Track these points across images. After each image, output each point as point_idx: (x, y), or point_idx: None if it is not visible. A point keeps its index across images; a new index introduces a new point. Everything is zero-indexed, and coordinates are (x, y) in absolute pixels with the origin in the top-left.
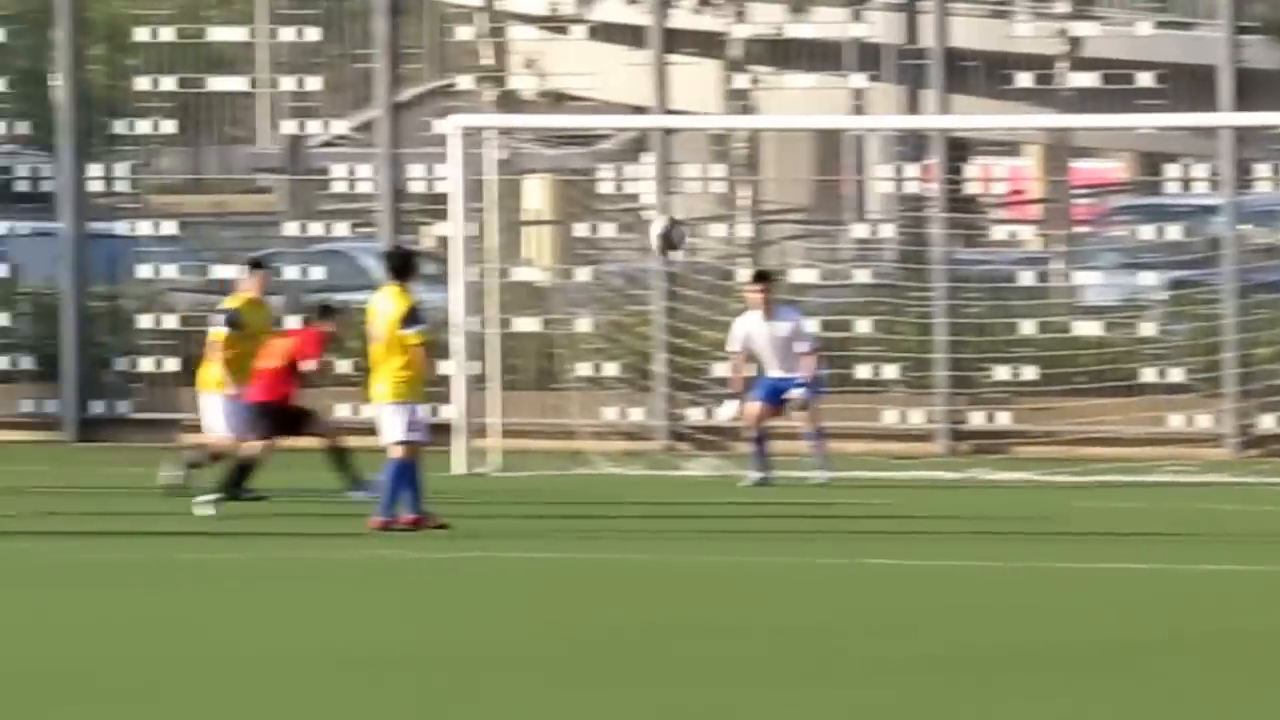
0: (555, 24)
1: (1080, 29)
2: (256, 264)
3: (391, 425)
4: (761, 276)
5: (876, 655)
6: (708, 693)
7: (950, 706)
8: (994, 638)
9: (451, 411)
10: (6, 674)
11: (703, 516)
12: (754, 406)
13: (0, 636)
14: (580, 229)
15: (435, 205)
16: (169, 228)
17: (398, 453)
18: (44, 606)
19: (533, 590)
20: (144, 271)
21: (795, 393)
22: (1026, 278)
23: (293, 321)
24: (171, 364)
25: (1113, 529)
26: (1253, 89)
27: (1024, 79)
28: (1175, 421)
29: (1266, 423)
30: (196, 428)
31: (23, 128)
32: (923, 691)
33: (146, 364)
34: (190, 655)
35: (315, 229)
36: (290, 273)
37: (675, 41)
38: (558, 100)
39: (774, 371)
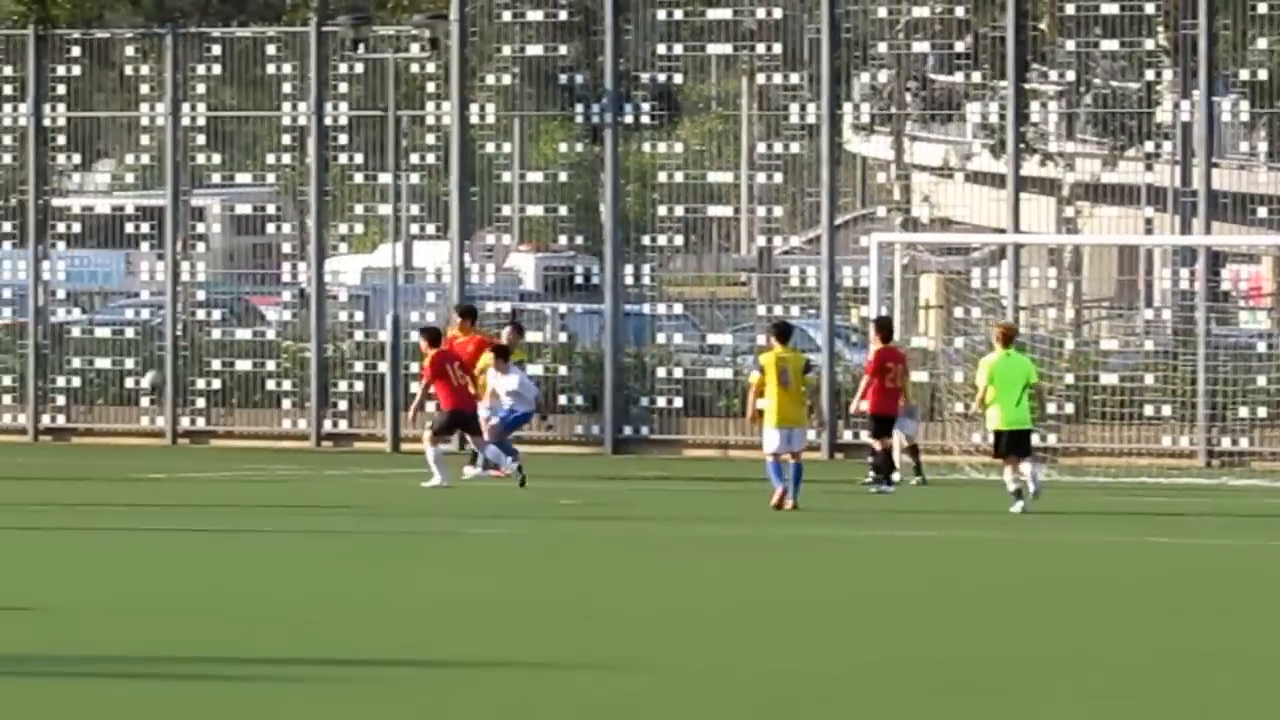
0: (944, 172)
1: None
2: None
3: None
4: None
5: None
6: None
7: None
8: None
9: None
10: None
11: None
12: None
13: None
14: (958, 311)
15: (859, 295)
16: (677, 308)
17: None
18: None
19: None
20: (660, 338)
21: None
22: (1261, 346)
23: None
24: (678, 401)
25: None
26: None
27: (1262, 211)
28: None
29: None
30: (697, 446)
31: (579, 240)
32: None
33: (660, 401)
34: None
35: (777, 310)
36: (759, 339)
37: (1025, 184)
38: (945, 223)
39: None
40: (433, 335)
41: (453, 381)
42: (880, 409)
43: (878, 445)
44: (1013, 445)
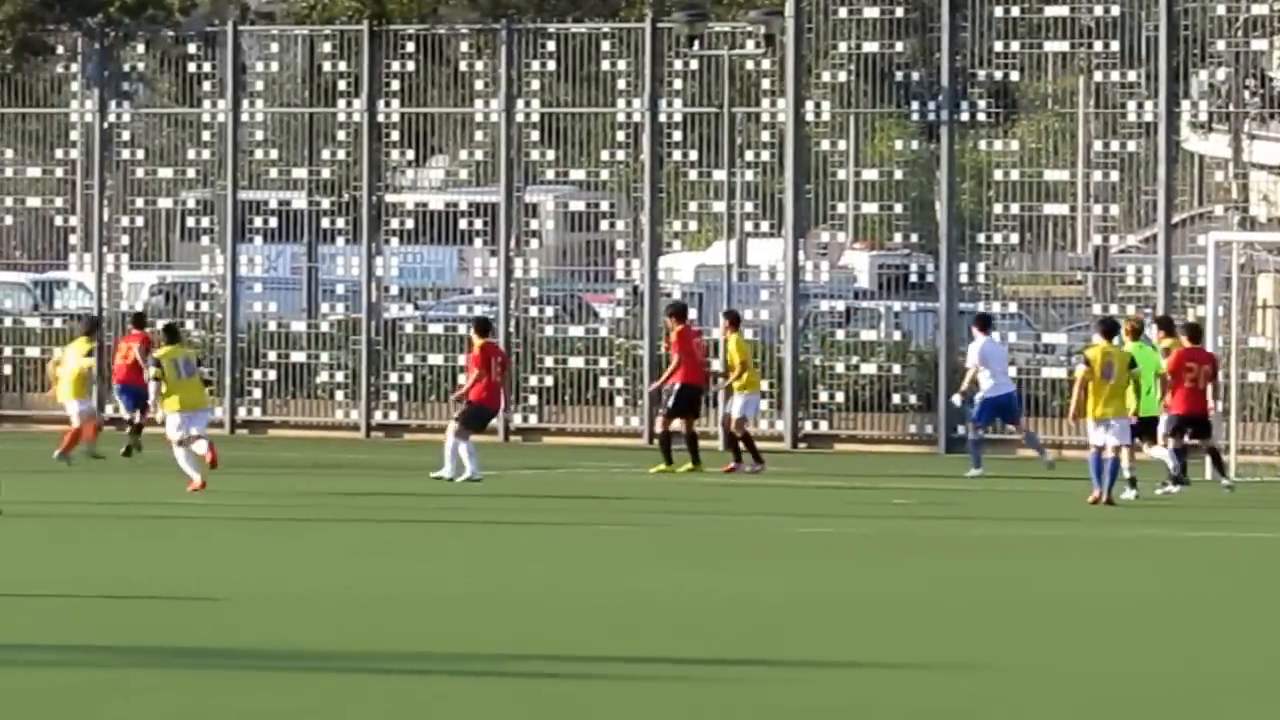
0: None
1: None
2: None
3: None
4: None
5: None
6: None
7: None
8: None
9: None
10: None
11: None
12: None
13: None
14: None
15: (1196, 294)
16: (1012, 307)
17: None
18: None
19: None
20: (994, 337)
21: None
22: None
23: None
24: None
25: None
26: None
27: None
28: None
29: None
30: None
31: (914, 238)
32: None
33: None
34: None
35: (1113, 309)
36: (1096, 339)
37: None
38: None
39: None
40: (482, 325)
41: (492, 375)
42: (1181, 409)
43: (1170, 443)
44: (1144, 429)
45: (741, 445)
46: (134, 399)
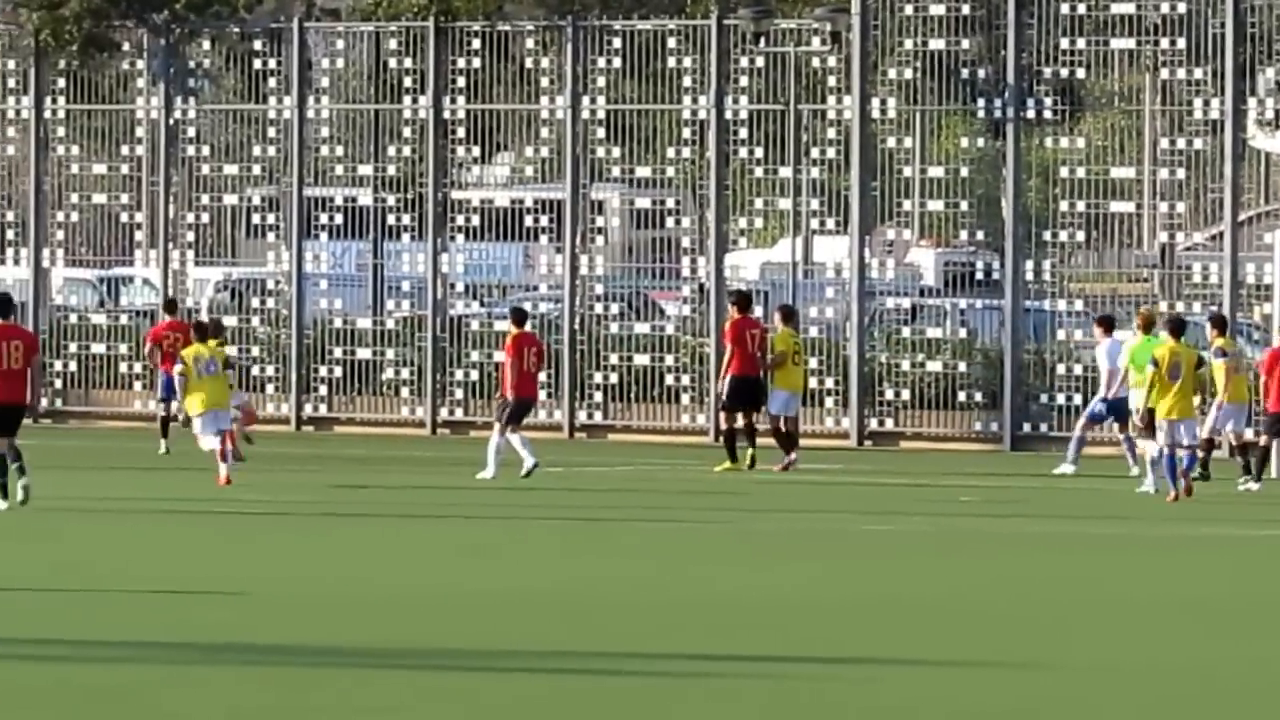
0: None
1: None
2: None
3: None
4: None
5: None
6: None
7: None
8: None
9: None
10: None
11: None
12: None
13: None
14: None
15: (1262, 292)
16: (1078, 305)
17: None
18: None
19: None
20: (1060, 335)
21: None
22: None
23: None
24: (1078, 398)
25: None
26: None
27: None
28: None
29: None
30: (1096, 443)
31: (980, 235)
32: None
33: (1060, 399)
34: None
35: (1179, 307)
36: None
37: None
38: None
39: None
40: (518, 315)
41: (525, 366)
42: (1278, 408)
43: (1260, 441)
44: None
45: (779, 440)
46: (170, 388)
